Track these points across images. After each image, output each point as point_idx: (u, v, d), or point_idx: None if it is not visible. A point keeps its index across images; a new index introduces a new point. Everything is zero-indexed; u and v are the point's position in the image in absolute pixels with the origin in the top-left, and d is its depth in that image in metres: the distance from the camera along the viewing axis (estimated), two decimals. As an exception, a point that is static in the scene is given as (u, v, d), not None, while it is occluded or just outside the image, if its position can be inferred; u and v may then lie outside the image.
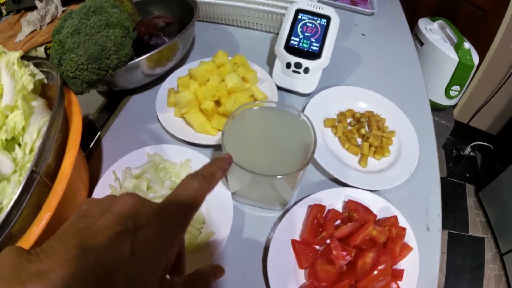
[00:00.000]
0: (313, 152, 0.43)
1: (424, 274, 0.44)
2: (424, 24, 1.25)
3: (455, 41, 1.18)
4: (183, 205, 0.24)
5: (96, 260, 0.19)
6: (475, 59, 1.17)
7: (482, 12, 1.39)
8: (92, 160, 0.60)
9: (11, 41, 1.04)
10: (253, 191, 0.50)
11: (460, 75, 1.19)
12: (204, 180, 0.26)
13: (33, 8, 1.16)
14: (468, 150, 1.76)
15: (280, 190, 0.47)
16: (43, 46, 0.98)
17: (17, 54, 0.52)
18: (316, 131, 0.46)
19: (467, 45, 1.16)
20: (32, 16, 1.13)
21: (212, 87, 0.58)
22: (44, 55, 1.00)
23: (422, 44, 1.23)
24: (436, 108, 1.33)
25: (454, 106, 1.57)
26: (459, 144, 1.81)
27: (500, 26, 1.34)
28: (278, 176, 0.41)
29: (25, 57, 0.55)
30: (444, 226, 1.54)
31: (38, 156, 0.42)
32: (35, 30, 1.11)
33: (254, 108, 0.49)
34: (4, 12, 1.31)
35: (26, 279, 0.18)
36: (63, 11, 1.13)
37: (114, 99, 0.72)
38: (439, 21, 1.26)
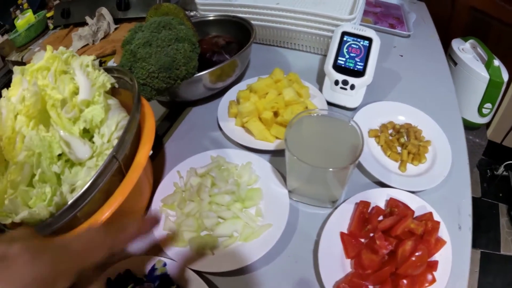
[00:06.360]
0: (361, 150, 0.48)
1: (456, 268, 0.48)
2: (457, 44, 1.30)
3: (486, 59, 1.22)
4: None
5: None
6: (505, 76, 1.20)
7: (511, 29, 1.41)
8: (155, 162, 0.66)
9: (62, 55, 1.11)
10: (309, 187, 0.56)
11: (491, 93, 1.22)
12: None
13: (82, 24, 1.22)
14: (501, 169, 1.75)
15: (331, 185, 0.53)
16: (98, 60, 1.07)
17: (91, 57, 0.55)
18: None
19: (496, 62, 1.19)
20: (84, 31, 1.18)
21: (271, 99, 0.65)
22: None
23: (455, 64, 1.27)
24: (469, 127, 1.35)
25: (487, 126, 1.58)
26: (493, 164, 1.81)
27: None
28: (331, 169, 0.47)
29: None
30: (477, 245, 1.55)
31: (120, 144, 0.44)
32: (87, 44, 1.16)
33: (311, 115, 0.55)
34: (51, 26, 1.37)
35: None
36: (115, 29, 1.20)
37: (175, 110, 0.79)
38: (471, 41, 1.30)
